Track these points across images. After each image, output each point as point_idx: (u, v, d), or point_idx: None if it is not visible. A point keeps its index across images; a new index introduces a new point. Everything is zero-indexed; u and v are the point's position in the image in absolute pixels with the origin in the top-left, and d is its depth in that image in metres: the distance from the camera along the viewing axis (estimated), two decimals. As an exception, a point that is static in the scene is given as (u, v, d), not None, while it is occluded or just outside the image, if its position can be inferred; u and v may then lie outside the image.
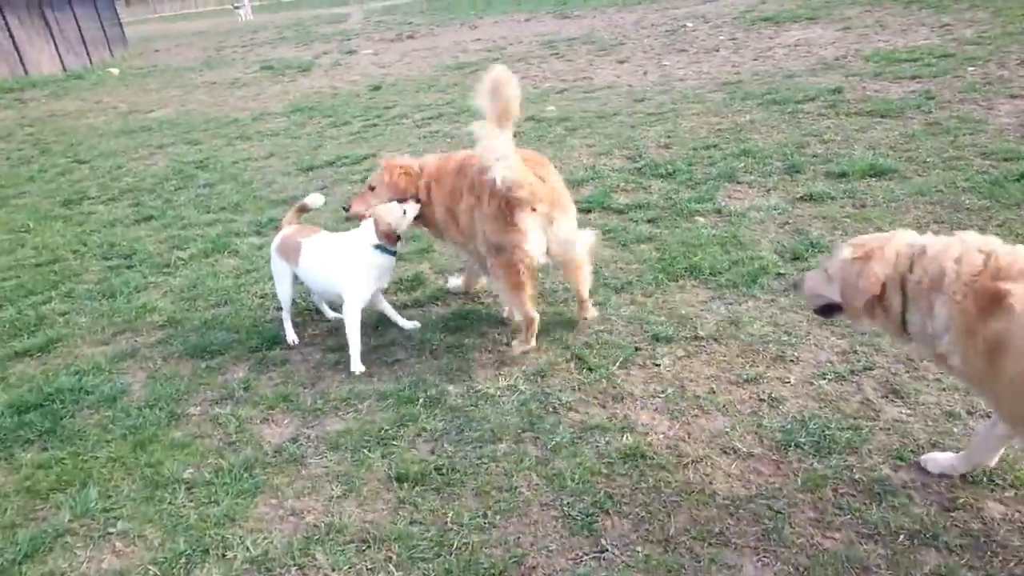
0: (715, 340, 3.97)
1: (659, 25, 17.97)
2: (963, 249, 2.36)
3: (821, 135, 7.22)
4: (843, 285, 2.63)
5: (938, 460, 2.91)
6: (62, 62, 23.93)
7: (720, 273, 4.68)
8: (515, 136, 8.04)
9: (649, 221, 5.71)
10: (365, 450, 3.41)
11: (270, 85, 15.86)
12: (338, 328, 4.65)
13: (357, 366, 4.12)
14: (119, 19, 35.22)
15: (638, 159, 7.27)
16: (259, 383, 4.12)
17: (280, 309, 4.63)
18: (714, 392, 3.55)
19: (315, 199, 4.80)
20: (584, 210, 6.14)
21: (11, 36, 20.70)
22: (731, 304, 4.32)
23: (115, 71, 22.91)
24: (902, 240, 2.54)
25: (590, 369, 3.83)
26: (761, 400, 3.46)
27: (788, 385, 3.55)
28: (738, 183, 6.30)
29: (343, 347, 4.38)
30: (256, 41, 27.72)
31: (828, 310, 2.86)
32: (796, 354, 3.75)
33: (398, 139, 9.48)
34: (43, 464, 3.58)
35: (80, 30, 26.48)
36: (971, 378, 2.42)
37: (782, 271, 4.60)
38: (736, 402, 3.46)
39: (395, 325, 4.53)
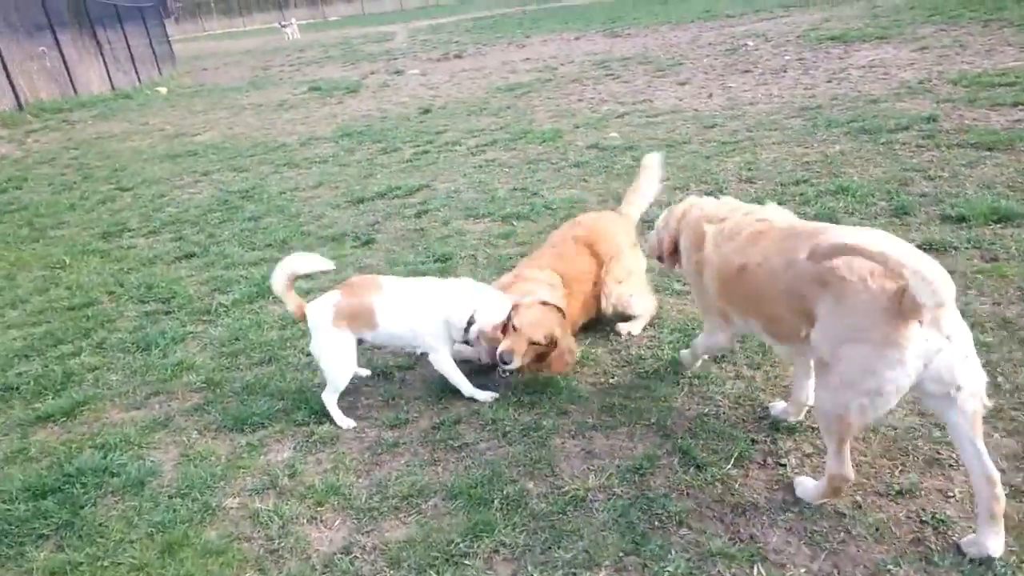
0: (848, 432, 3.29)
1: (717, 44, 17.31)
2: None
3: (925, 170, 6.49)
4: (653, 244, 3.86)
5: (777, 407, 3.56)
6: (111, 80, 24.04)
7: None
8: (578, 166, 7.42)
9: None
10: (432, 571, 2.81)
11: (318, 107, 15.52)
12: (395, 398, 4.08)
13: (485, 396, 3.91)
14: (167, 36, 35.60)
15: (719, 195, 6.61)
16: (306, 468, 3.55)
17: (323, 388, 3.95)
18: (860, 507, 2.89)
19: (316, 263, 3.89)
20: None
21: (61, 55, 20.77)
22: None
23: (163, 90, 22.94)
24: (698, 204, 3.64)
25: (699, 467, 3.18)
26: (922, 522, 2.78)
27: (952, 501, 2.87)
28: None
29: (402, 422, 3.82)
30: (303, 60, 27.65)
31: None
32: (954, 456, 3.06)
33: (452, 168, 8.95)
34: (56, 570, 3.05)
35: (129, 48, 26.69)
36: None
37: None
38: (891, 523, 2.79)
39: (462, 396, 3.94)
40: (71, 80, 21.26)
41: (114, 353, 5.03)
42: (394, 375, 4.35)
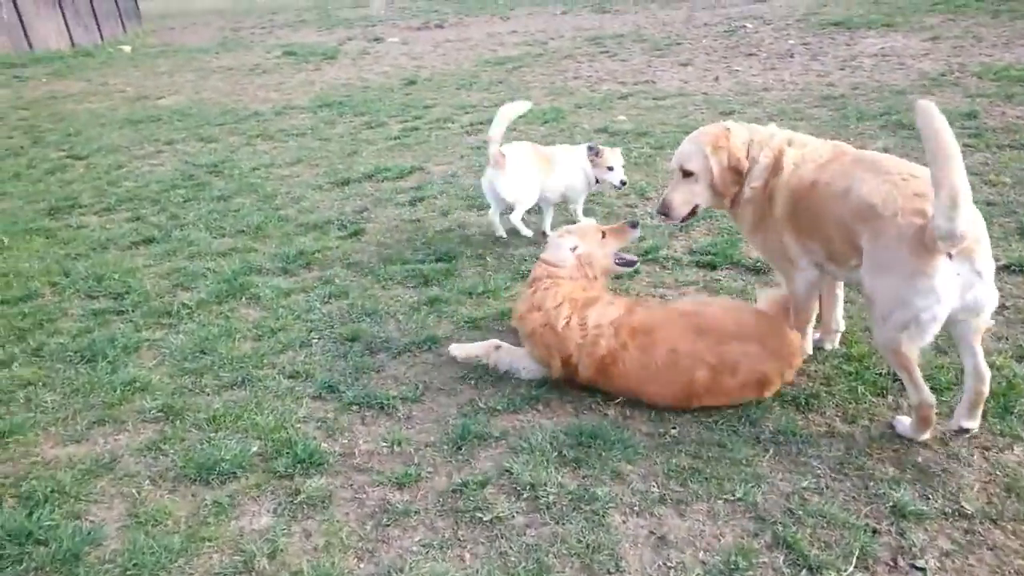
0: (992, 520, 2.60)
1: (713, 25, 16.53)
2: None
3: (982, 174, 5.82)
4: (719, 173, 3.40)
5: None
6: (71, 36, 22.52)
7: (948, 388, 3.31)
8: None
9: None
10: None
11: (293, 73, 14.45)
12: (401, 443, 3.30)
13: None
14: (133, -8, 33.82)
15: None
16: (290, 543, 2.77)
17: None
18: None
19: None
20: (707, 264, 4.78)
21: (15, 5, 19.27)
22: (987, 448, 2.94)
23: (127, 49, 21.54)
24: (737, 128, 3.46)
25: (812, 569, 2.45)
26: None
27: None
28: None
29: (413, 479, 3.05)
30: (275, 23, 26.30)
31: (688, 215, 3.62)
32: None
33: (446, 148, 8.10)
34: None
35: (92, 2, 25.08)
36: (749, 228, 3.52)
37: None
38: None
39: (485, 444, 3.18)
40: (25, 33, 19.80)
41: (53, 364, 4.16)
42: (397, 409, 3.56)
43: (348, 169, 7.54)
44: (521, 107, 5.31)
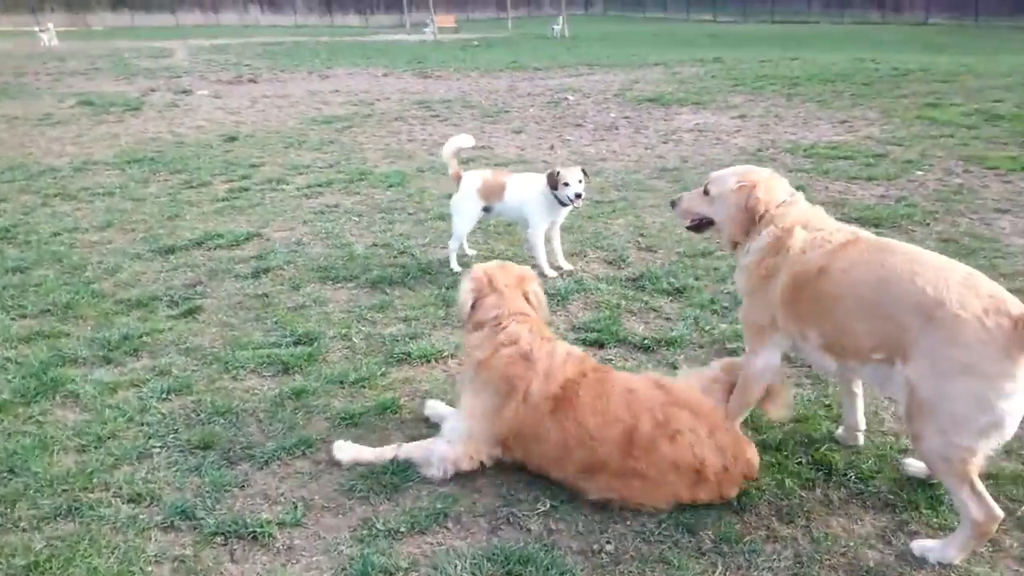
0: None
1: (536, 95, 16.98)
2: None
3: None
4: (731, 207, 3.26)
5: None
6: None
7: (870, 478, 3.21)
8: (443, 219, 6.34)
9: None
10: None
11: (92, 125, 13.03)
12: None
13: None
14: None
15: (622, 265, 5.80)
16: None
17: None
18: None
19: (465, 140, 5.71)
20: (593, 343, 4.53)
21: None
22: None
23: None
24: (780, 183, 3.29)
25: None
26: None
27: None
28: (773, 311, 4.95)
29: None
30: (65, 70, 24.02)
31: (696, 227, 3.57)
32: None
33: (285, 212, 7.44)
34: None
35: None
36: (743, 291, 3.33)
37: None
38: None
39: None
40: None
41: None
42: (274, 537, 2.92)
43: (171, 235, 6.69)
44: (466, 140, 5.74)
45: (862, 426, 3.49)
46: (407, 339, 4.58)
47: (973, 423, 2.53)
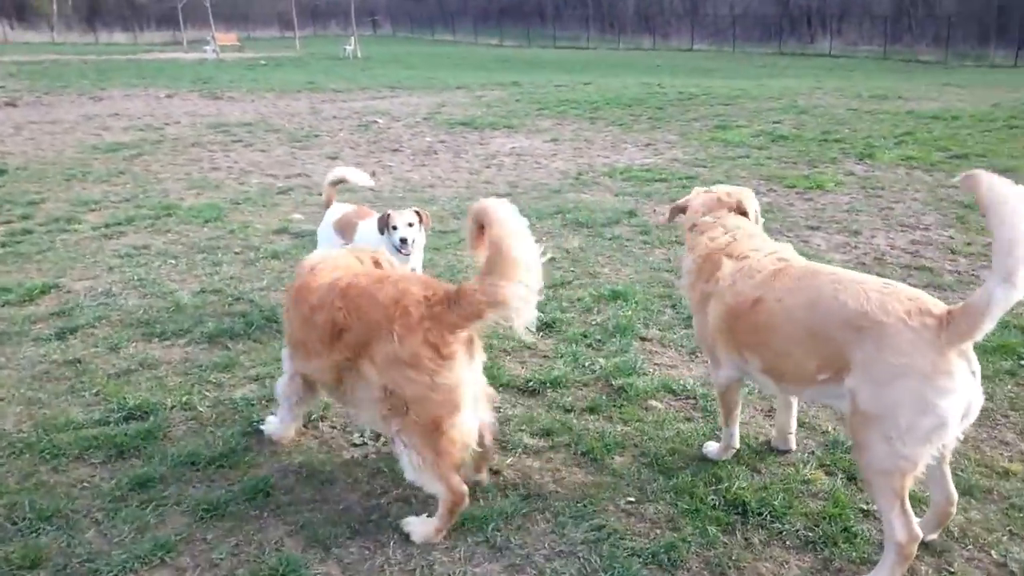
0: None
1: (342, 117, 16.41)
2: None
3: (675, 270, 6.21)
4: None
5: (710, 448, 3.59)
6: None
7: (783, 515, 3.15)
8: (277, 257, 5.78)
9: (590, 411, 3.99)
10: None
11: None
12: None
13: None
14: None
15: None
16: None
17: None
18: None
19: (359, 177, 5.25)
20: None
21: None
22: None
23: None
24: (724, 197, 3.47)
25: None
26: None
27: None
28: (645, 339, 4.89)
29: None
30: None
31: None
32: None
33: (83, 257, 6.43)
34: None
35: None
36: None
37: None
38: None
39: None
40: None
41: None
42: None
43: (-59, 291, 5.54)
44: (361, 178, 5.35)
45: (793, 428, 3.63)
46: (263, 402, 4.01)
47: (917, 428, 2.50)
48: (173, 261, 6.29)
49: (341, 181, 5.28)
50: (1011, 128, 13.30)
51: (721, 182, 9.75)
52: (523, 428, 3.77)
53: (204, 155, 11.83)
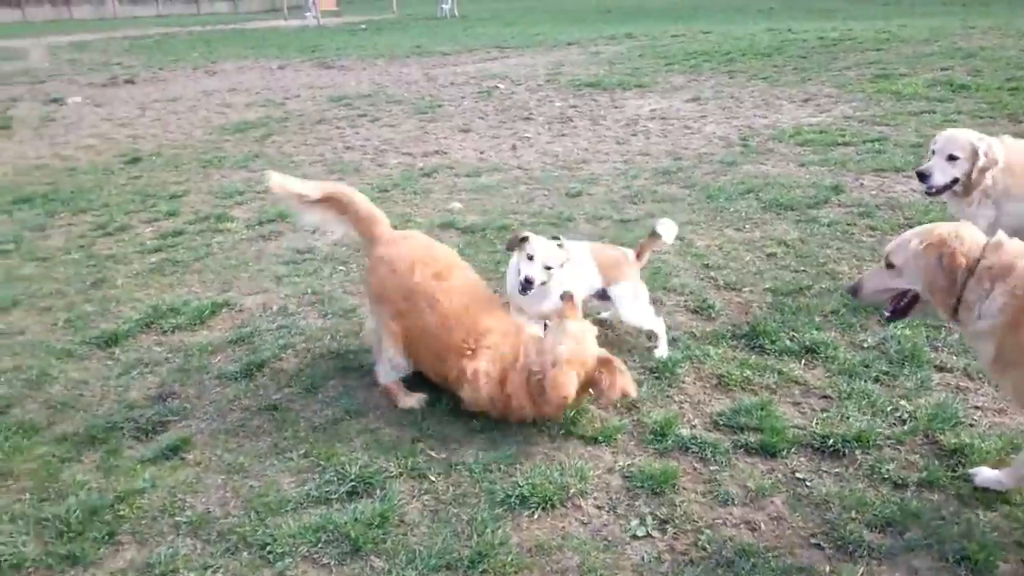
0: None
1: (460, 84, 15.59)
2: None
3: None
4: (927, 271, 2.79)
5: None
6: None
7: None
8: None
9: (928, 486, 3.09)
10: None
11: (-54, 152, 10.77)
12: None
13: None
14: None
15: (712, 314, 4.63)
16: None
17: None
18: None
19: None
20: (756, 449, 3.37)
21: None
22: None
23: None
24: (968, 230, 2.81)
25: None
26: None
27: None
28: (945, 370, 3.92)
29: None
30: None
31: (901, 309, 3.03)
32: None
33: (244, 264, 5.87)
34: None
35: None
36: (994, 362, 2.70)
37: None
38: None
39: None
40: None
41: None
42: None
43: (104, 313, 5.04)
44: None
45: None
46: (501, 467, 3.27)
47: None
48: (343, 269, 5.65)
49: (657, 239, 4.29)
50: None
51: (917, 143, 8.56)
52: (854, 516, 2.90)
53: (333, 132, 11.26)
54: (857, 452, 3.28)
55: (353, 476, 3.24)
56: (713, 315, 4.62)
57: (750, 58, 16.02)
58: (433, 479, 3.26)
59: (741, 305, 4.75)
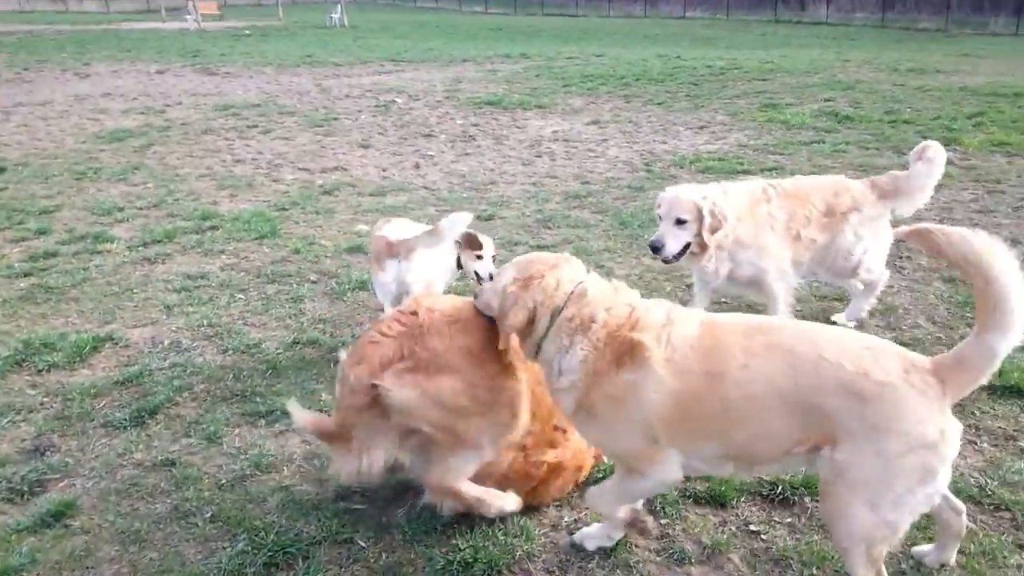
0: None
1: (355, 97, 15.17)
2: (615, 300, 2.59)
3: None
4: (500, 310, 2.67)
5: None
6: None
7: None
8: (354, 289, 4.74)
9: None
10: None
11: None
12: None
13: None
14: None
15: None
16: None
17: None
18: None
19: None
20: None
21: None
22: None
23: None
24: (566, 273, 2.65)
25: None
26: None
27: None
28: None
29: None
30: None
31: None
32: None
33: (131, 292, 5.29)
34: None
35: None
36: (575, 414, 2.62)
37: None
38: None
39: None
40: None
41: None
42: None
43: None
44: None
45: None
46: (463, 527, 2.98)
47: (916, 497, 2.29)
48: (242, 296, 5.18)
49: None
50: (1087, 106, 12.44)
51: (813, 172, 8.81)
52: (815, 572, 2.78)
53: (221, 144, 10.62)
54: (807, 499, 3.18)
55: (270, 544, 2.86)
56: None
57: (644, 83, 16.36)
58: (363, 544, 2.92)
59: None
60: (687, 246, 4.09)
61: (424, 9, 61.29)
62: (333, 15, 37.30)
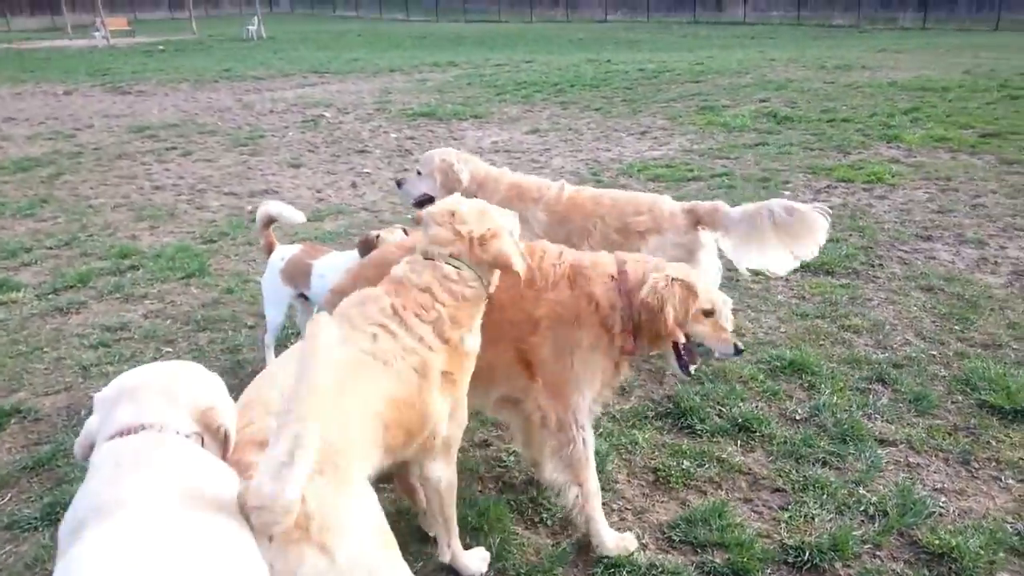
0: None
1: (281, 112, 14.48)
2: None
3: (825, 314, 4.94)
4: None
5: None
6: None
7: None
8: None
9: None
10: None
11: None
12: None
13: None
14: None
15: (621, 384, 4.08)
16: None
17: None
18: None
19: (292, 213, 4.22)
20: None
21: None
22: None
23: None
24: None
25: None
26: None
27: None
28: (887, 443, 3.59)
29: None
30: None
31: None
32: None
33: (40, 352, 4.62)
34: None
35: None
36: None
37: None
38: None
39: None
40: None
41: None
42: None
43: None
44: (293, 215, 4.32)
45: None
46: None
47: None
48: (170, 349, 4.56)
49: (272, 221, 4.32)
50: (1013, 99, 12.68)
51: (765, 177, 8.61)
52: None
53: (138, 169, 9.85)
54: (837, 564, 2.81)
55: None
56: (627, 388, 4.08)
57: (579, 89, 16.09)
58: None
59: (653, 374, 4.25)
60: (430, 198, 4.44)
61: (344, 18, 60.13)
62: (250, 27, 36.07)
